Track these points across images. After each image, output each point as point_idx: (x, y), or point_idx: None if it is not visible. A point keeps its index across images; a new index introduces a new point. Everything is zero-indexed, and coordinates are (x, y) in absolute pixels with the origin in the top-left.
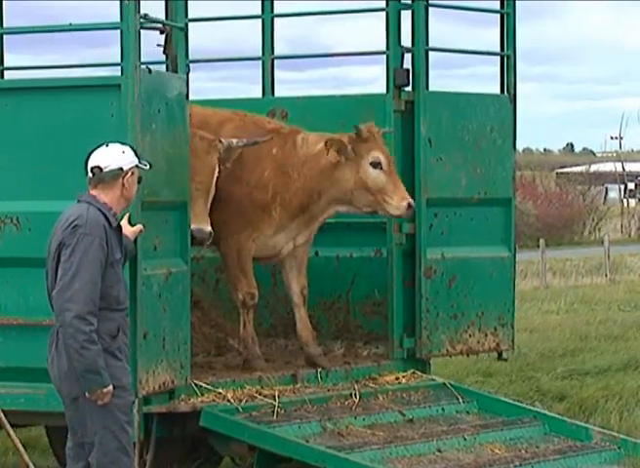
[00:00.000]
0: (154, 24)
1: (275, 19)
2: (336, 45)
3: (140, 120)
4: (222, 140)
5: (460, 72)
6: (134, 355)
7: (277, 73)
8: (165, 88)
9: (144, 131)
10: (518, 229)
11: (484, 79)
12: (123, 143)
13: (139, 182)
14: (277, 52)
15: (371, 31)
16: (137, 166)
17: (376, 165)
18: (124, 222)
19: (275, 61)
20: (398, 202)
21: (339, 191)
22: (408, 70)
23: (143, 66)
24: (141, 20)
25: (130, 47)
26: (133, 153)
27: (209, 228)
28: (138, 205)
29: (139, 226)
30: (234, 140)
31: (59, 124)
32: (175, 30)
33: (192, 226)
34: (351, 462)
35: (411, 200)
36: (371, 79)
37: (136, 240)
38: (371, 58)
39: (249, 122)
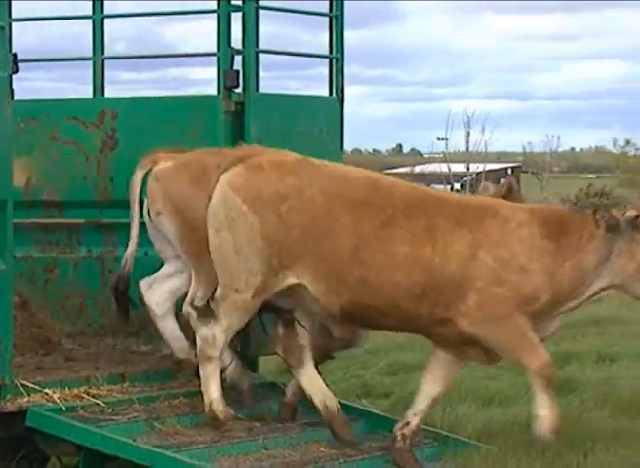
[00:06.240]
0: None
1: (114, 19)
2: (178, 45)
3: None
4: None
5: (309, 73)
6: None
7: (117, 74)
8: None
9: None
10: None
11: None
12: None
13: None
14: (117, 51)
15: (212, 32)
16: None
17: None
18: None
19: (116, 62)
20: None
21: None
22: (238, 72)
23: None
24: None
25: None
26: None
27: None
28: None
29: None
30: None
31: None
32: None
33: None
34: (178, 461)
35: None
36: (211, 80)
37: None
38: (211, 60)
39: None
